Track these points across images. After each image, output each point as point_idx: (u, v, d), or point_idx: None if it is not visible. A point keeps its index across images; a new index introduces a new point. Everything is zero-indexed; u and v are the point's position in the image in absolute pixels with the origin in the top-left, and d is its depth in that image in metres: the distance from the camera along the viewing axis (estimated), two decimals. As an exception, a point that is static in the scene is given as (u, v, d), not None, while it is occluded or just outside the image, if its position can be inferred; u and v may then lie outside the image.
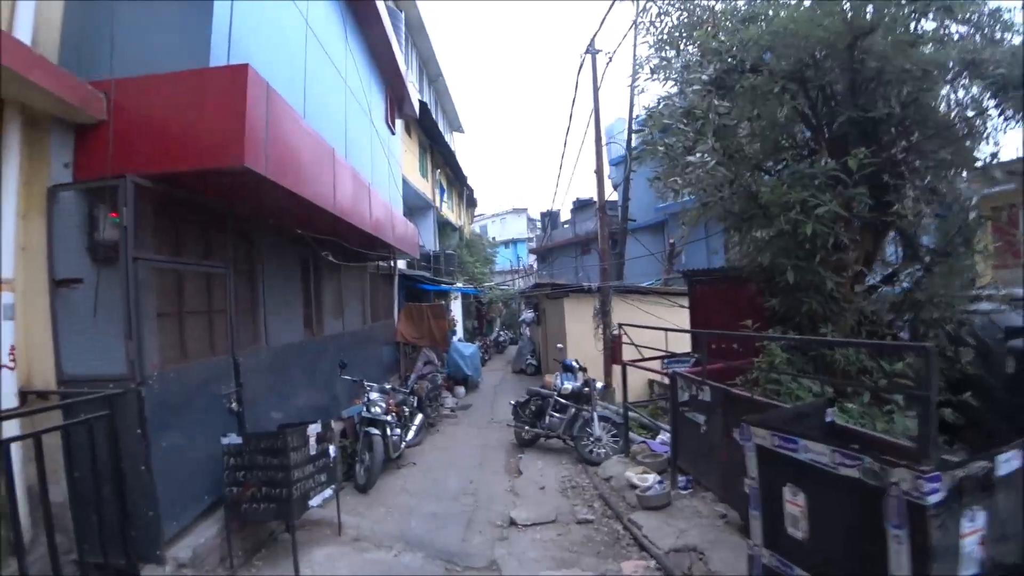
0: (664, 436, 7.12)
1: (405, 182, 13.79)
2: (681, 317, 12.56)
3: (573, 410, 8.10)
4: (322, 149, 5.64)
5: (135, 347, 3.70)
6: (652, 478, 5.84)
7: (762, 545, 2.84)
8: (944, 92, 5.48)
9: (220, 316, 5.55)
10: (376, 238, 8.34)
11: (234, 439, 4.29)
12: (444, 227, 22.16)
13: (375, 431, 6.68)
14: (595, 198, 24.22)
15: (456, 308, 18.12)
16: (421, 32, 17.76)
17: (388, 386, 7.33)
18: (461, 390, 13.69)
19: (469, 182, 24.72)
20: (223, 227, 5.25)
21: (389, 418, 7.05)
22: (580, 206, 24.59)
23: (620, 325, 7.67)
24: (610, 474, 6.61)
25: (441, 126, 19.94)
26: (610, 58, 12.16)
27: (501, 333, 25.94)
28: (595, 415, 7.78)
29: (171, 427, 3.97)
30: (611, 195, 25.07)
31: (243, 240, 6.13)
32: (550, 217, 26.45)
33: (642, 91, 9.35)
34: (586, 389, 8.03)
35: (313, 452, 4.56)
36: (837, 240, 5.11)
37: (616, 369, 11.38)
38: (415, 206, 17.86)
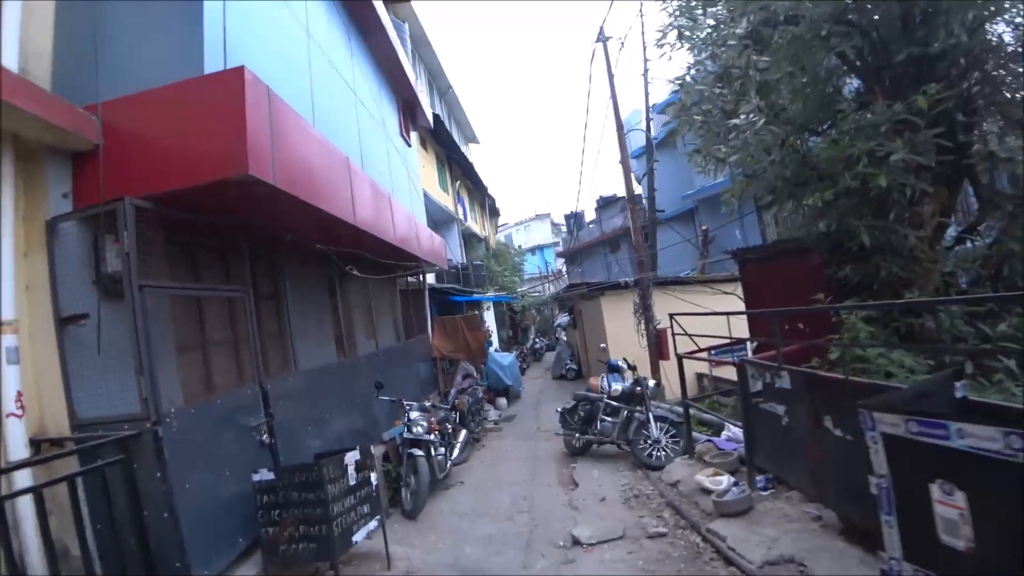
0: (731, 432, 6.51)
1: (426, 196, 13.50)
2: (725, 304, 11.88)
3: (626, 412, 7.54)
4: (335, 158, 5.29)
5: (148, 383, 3.34)
6: (726, 480, 5.24)
7: (901, 558, 2.27)
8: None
9: (245, 344, 5.23)
10: (402, 251, 7.97)
11: (265, 475, 3.90)
12: (469, 239, 21.85)
13: (419, 452, 6.25)
14: (619, 194, 23.62)
15: (490, 318, 17.71)
16: (426, 46, 17.58)
17: (428, 403, 6.91)
18: (503, 401, 13.22)
19: (490, 192, 24.41)
20: (239, 248, 4.92)
21: (432, 437, 6.61)
22: (604, 203, 23.99)
23: (671, 316, 7.08)
24: (676, 478, 6.03)
25: (456, 138, 19.67)
26: (622, 43, 11.81)
27: (537, 340, 25.42)
28: (650, 416, 7.21)
29: (195, 467, 3.60)
30: (635, 188, 24.50)
31: (264, 262, 5.82)
32: (575, 218, 25.92)
33: (670, 58, 8.77)
34: (638, 389, 7.47)
35: (353, 482, 4.14)
36: (912, 192, 4.48)
37: (663, 365, 10.81)
38: (438, 220, 17.57)
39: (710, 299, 12.01)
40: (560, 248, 35.49)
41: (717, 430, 7.63)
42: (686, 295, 11.74)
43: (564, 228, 38.93)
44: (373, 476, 4.51)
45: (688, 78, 5.99)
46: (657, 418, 7.21)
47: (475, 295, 14.72)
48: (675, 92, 6.80)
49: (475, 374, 11.32)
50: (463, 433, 8.06)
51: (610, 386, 8.69)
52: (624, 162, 11.43)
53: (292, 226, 5.17)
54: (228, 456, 3.96)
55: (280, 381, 4.92)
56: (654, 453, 7.04)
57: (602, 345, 9.46)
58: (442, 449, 6.92)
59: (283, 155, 4.02)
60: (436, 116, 16.46)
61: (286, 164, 4.05)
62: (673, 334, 10.60)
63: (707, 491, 5.29)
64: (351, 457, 4.17)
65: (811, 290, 5.64)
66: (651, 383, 7.62)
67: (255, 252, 5.54)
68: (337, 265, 6.85)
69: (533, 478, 7.44)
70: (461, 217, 19.77)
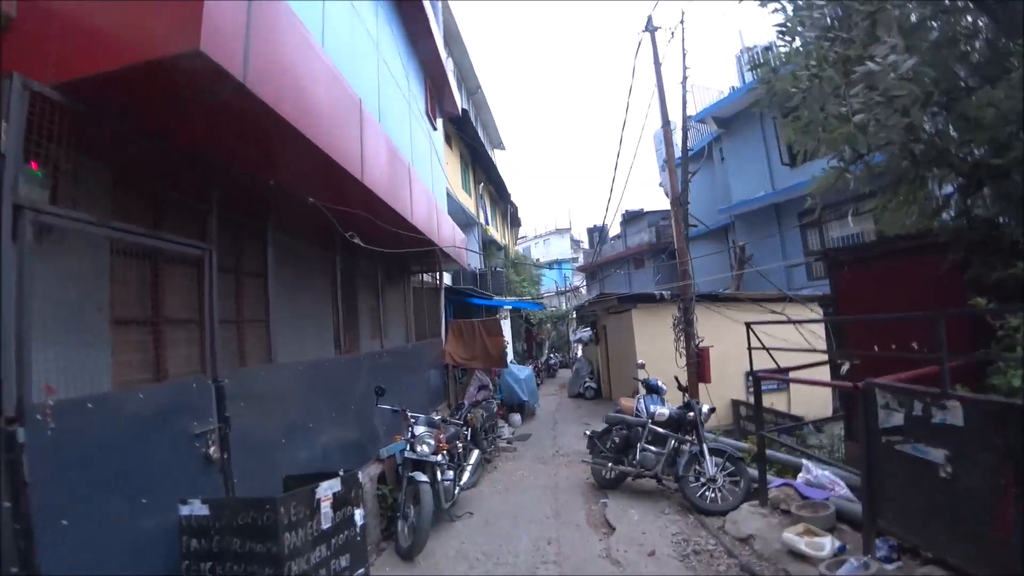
0: (813, 474, 5.12)
1: (449, 196, 12.32)
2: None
3: (674, 442, 6.17)
4: (342, 92, 4.08)
5: (9, 357, 2.09)
6: (828, 544, 3.86)
7: None
8: None
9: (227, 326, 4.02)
10: (419, 239, 6.74)
11: (197, 508, 2.62)
12: (489, 246, 20.65)
13: (422, 477, 4.94)
14: (645, 209, 22.34)
15: (505, 329, 16.34)
16: (458, 42, 16.56)
17: (436, 417, 5.60)
18: (517, 418, 11.84)
19: (512, 200, 23.25)
20: (212, 200, 3.70)
21: (439, 458, 5.30)
22: (630, 218, 22.71)
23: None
24: (747, 532, 4.64)
25: (482, 141, 18.57)
26: (672, 33, 10.47)
27: (551, 356, 24.00)
28: (705, 448, 5.84)
29: (84, 493, 2.32)
30: (661, 204, 23.14)
31: (251, 233, 4.60)
32: (599, 232, 24.64)
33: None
34: (689, 415, 6.11)
35: (328, 524, 2.84)
36: None
37: (703, 388, 9.41)
38: (459, 222, 16.28)
39: (758, 317, 10.63)
40: (580, 263, 34.18)
41: (782, 470, 6.25)
42: (730, 312, 10.38)
43: (583, 244, 37.68)
44: (358, 514, 3.21)
45: (793, 22, 4.71)
46: (713, 451, 5.84)
47: (497, 299, 13.39)
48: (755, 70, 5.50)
49: (491, 386, 10.00)
50: (475, 454, 6.73)
51: (648, 409, 7.33)
52: (669, 160, 10.16)
53: (281, 174, 3.93)
54: (149, 477, 2.68)
55: (243, 376, 3.65)
56: (708, 494, 5.66)
57: (639, 362, 8.12)
58: (450, 473, 5.60)
59: (264, 53, 2.81)
60: (464, 111, 15.40)
61: (267, 65, 2.83)
62: (708, 357, 9.33)
63: (799, 555, 3.92)
64: (327, 489, 2.88)
65: (934, 297, 4.31)
66: (704, 408, 6.25)
67: (240, 219, 4.35)
68: (341, 249, 5.63)
69: (557, 514, 6.07)
70: (482, 221, 18.61)
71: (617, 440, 6.65)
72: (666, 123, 10.17)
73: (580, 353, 19.19)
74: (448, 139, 15.89)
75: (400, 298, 9.05)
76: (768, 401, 11.84)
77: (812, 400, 11.56)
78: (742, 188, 15.54)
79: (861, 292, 5.44)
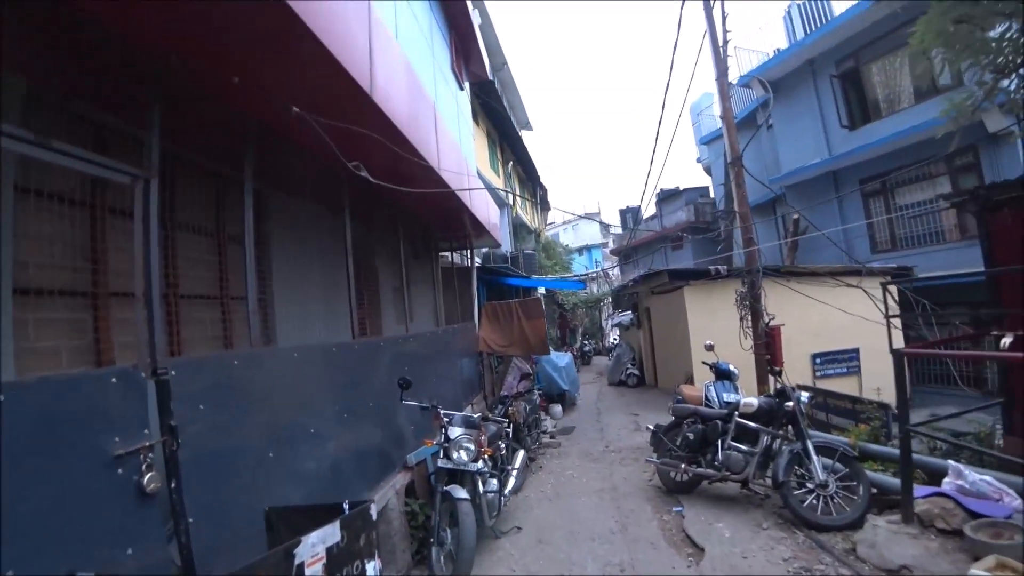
0: (971, 479, 3.81)
1: (477, 174, 11.14)
2: (850, 299, 9.06)
3: (767, 439, 4.91)
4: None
5: None
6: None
7: None
8: None
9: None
10: (447, 201, 5.60)
11: (83, 594, 1.50)
12: (519, 229, 19.46)
13: (460, 493, 3.80)
14: (681, 187, 20.81)
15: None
16: (483, 15, 15.31)
17: (475, 415, 4.44)
18: (558, 409, 10.68)
19: (542, 182, 21.96)
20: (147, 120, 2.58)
21: (480, 466, 4.16)
22: (666, 196, 21.17)
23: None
24: (897, 561, 3.37)
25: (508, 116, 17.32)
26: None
27: (586, 343, 22.75)
28: (810, 445, 4.57)
29: None
30: (698, 182, 21.55)
31: (239, 191, 3.52)
32: (632, 213, 23.19)
33: None
34: (787, 404, 4.82)
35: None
36: None
37: (788, 371, 8.05)
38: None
39: (830, 293, 9.23)
40: (609, 248, 32.64)
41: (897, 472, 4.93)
42: (799, 285, 8.99)
43: (611, 229, 36.16)
44: (371, 568, 2.07)
45: None
46: (820, 449, 4.57)
47: (535, 278, 12.14)
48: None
49: (532, 374, 8.84)
50: (520, 455, 5.58)
51: (721, 397, 6.08)
52: (727, 115, 8.72)
53: (259, 81, 2.78)
54: (25, 534, 1.57)
55: (201, 367, 2.53)
56: (816, 504, 4.40)
57: (708, 343, 6.84)
58: (494, 482, 4.46)
59: None
60: (491, 81, 14.22)
61: None
62: (780, 336, 7.92)
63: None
64: (315, 545, 1.75)
65: None
66: (804, 396, 4.96)
67: (222, 167, 3.27)
68: (355, 216, 4.51)
69: (624, 528, 4.88)
70: (511, 203, 17.41)
71: (691, 436, 5.41)
72: (722, 74, 8.75)
73: (618, 338, 17.89)
74: (474, 115, 14.72)
75: (428, 278, 7.94)
76: (836, 385, 10.46)
77: (887, 384, 10.09)
78: (793, 156, 13.97)
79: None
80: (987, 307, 4.81)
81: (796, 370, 9.94)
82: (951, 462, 4.05)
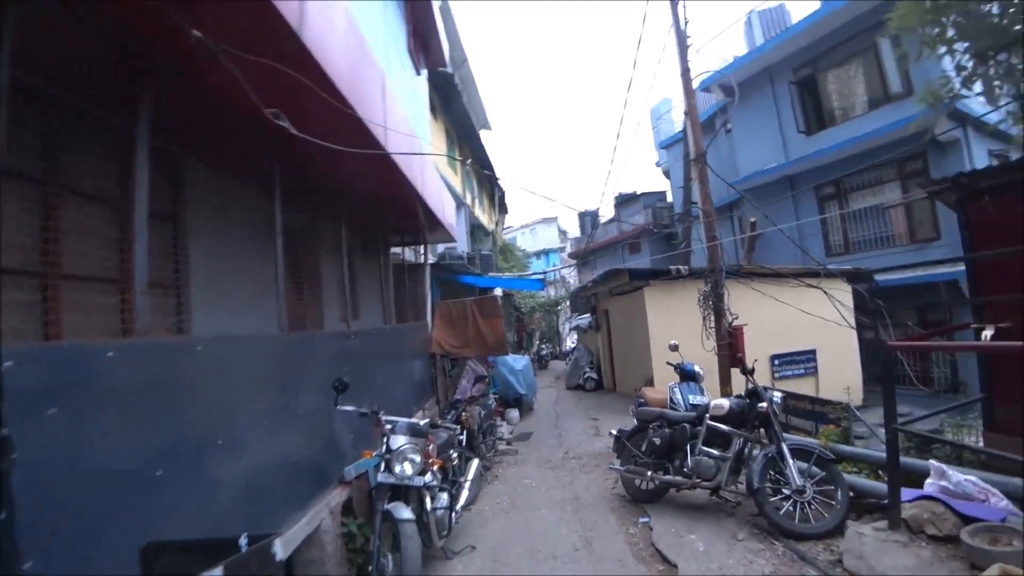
0: (956, 480, 3.55)
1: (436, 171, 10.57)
2: (812, 300, 8.99)
3: (739, 442, 4.58)
4: None
5: None
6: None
7: None
8: None
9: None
10: (398, 187, 5.07)
11: None
12: (476, 230, 18.96)
13: (404, 513, 3.25)
14: (639, 191, 20.81)
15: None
16: (445, 11, 14.84)
17: (422, 421, 3.89)
18: (515, 414, 10.22)
19: (500, 183, 21.54)
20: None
21: (428, 479, 3.63)
22: (624, 200, 21.15)
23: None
24: (890, 573, 3.04)
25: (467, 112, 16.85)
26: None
27: (543, 346, 22.42)
28: (785, 448, 4.26)
29: None
30: (656, 187, 21.64)
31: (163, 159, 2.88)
32: (591, 217, 23.05)
33: None
34: (760, 405, 4.50)
35: None
36: None
37: (738, 373, 7.86)
38: (444, 202, 14.71)
39: (792, 294, 9.14)
40: (568, 251, 32.51)
41: (872, 472, 4.72)
42: (760, 286, 8.86)
43: (570, 234, 36.14)
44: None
45: None
46: (795, 452, 4.27)
47: (491, 276, 11.63)
48: None
49: (487, 377, 8.34)
50: (474, 464, 5.06)
51: (686, 400, 5.75)
52: (691, 111, 8.50)
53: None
54: None
55: (56, 357, 1.94)
56: (795, 511, 4.09)
57: (673, 343, 6.52)
58: (444, 497, 3.93)
59: None
60: (450, 74, 13.74)
61: None
62: (742, 336, 7.72)
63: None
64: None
65: None
66: (777, 396, 4.66)
67: (117, 122, 2.65)
68: (286, 195, 3.93)
69: (588, 543, 4.44)
70: (469, 202, 16.92)
71: (657, 442, 5.03)
72: (686, 71, 8.54)
73: (576, 341, 17.61)
74: (433, 110, 14.20)
75: (377, 273, 7.35)
76: (793, 386, 10.43)
77: (843, 385, 10.14)
78: (752, 160, 14.07)
79: (1010, 229, 3.85)
80: (970, 298, 4.63)
81: (758, 372, 9.86)
82: (933, 462, 3.81)
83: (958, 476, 3.57)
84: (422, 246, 8.17)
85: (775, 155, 13.53)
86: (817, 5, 12.43)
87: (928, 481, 3.71)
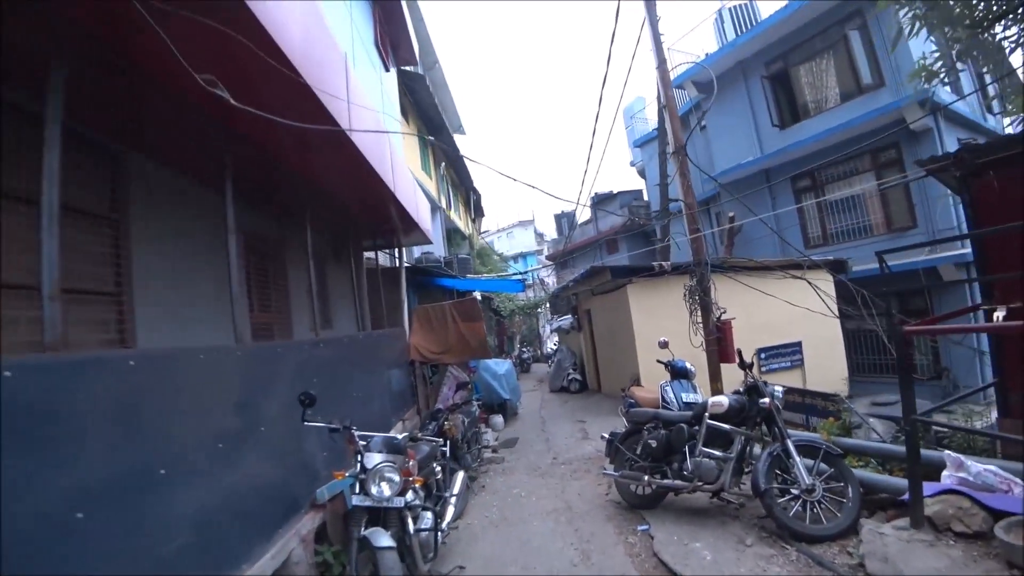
0: (975, 470, 3.32)
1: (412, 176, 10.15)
2: (796, 293, 8.84)
3: (741, 441, 4.30)
4: None
5: None
6: None
7: None
8: None
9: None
10: (368, 181, 4.69)
11: None
12: (452, 235, 18.57)
13: (383, 540, 2.87)
14: (615, 191, 20.68)
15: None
16: (415, 10, 14.48)
17: (400, 436, 3.51)
18: (499, 420, 9.85)
19: (475, 187, 21.21)
20: None
21: (409, 498, 3.26)
22: (601, 200, 21.01)
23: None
24: (919, 582, 2.79)
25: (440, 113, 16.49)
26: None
27: (524, 349, 22.09)
28: (791, 446, 4.00)
29: None
30: (633, 185, 21.55)
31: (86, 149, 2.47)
32: (568, 218, 22.87)
33: None
34: (762, 401, 4.23)
35: None
36: None
37: (727, 369, 7.64)
38: (418, 206, 14.29)
39: (779, 286, 8.97)
40: (544, 254, 32.27)
41: (881, 462, 4.50)
42: (749, 279, 8.68)
43: (547, 237, 35.97)
44: None
45: None
46: (800, 448, 4.01)
47: (470, 278, 11.24)
48: None
49: (469, 383, 7.97)
50: (459, 477, 4.68)
51: (679, 398, 5.49)
52: (669, 103, 8.28)
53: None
54: None
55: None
56: (805, 511, 3.82)
57: (662, 340, 6.25)
58: (428, 517, 3.55)
59: None
60: (421, 76, 13.38)
61: None
62: (731, 331, 7.48)
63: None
64: None
65: None
66: (778, 390, 4.40)
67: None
68: (241, 194, 3.55)
69: (586, 557, 4.11)
70: (445, 206, 16.54)
71: (653, 444, 4.73)
72: (662, 62, 8.34)
73: (558, 343, 17.33)
74: (404, 113, 13.82)
75: (349, 279, 6.93)
76: (780, 379, 10.29)
77: (829, 377, 10.04)
78: (727, 155, 13.99)
79: (1018, 204, 3.64)
80: (979, 277, 4.45)
81: (753, 366, 9.69)
82: (949, 452, 3.58)
83: (977, 466, 3.34)
84: (396, 249, 7.78)
85: (750, 150, 13.47)
86: (784, 2, 12.46)
87: (945, 473, 3.48)
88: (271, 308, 5.50)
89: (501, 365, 10.72)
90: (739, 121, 13.80)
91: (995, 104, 12.55)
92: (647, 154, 17.92)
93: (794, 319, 9.74)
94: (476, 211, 23.17)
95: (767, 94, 13.18)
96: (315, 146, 3.82)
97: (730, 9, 13.93)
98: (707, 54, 14.66)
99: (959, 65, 11.84)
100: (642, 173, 19.10)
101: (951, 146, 10.70)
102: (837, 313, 9.06)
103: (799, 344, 10.04)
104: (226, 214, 3.29)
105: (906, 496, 3.27)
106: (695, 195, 8.09)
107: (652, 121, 17.66)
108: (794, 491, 3.88)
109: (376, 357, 6.12)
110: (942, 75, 3.91)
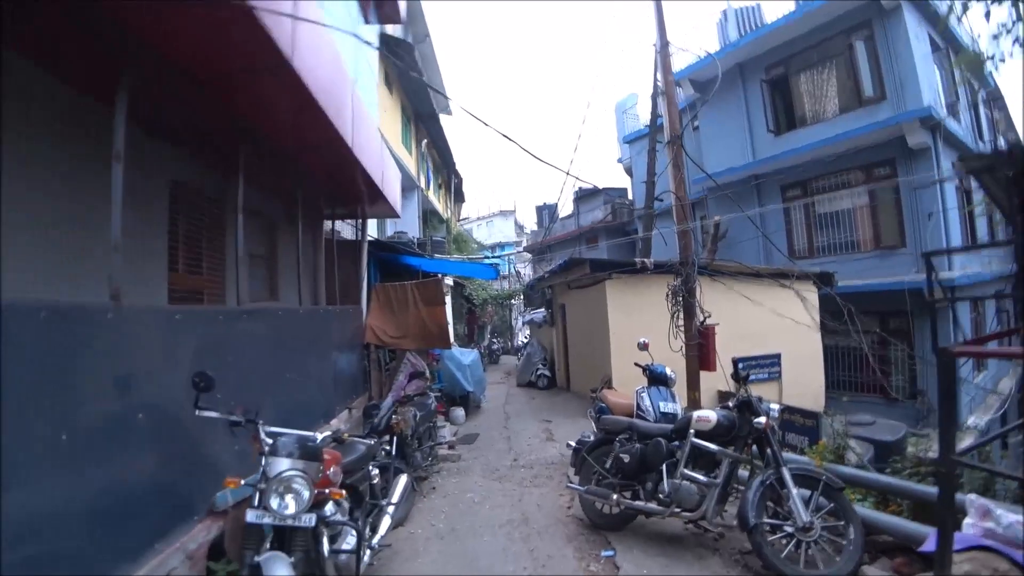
0: (1007, 521, 2.76)
1: (387, 147, 9.23)
2: (778, 303, 8.38)
3: (729, 464, 3.70)
4: None
5: None
6: None
7: None
8: None
9: None
10: (324, 134, 3.93)
11: None
12: (430, 217, 17.73)
13: (279, 570, 2.18)
14: (599, 186, 20.10)
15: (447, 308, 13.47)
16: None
17: (323, 434, 2.77)
18: (460, 413, 9.17)
19: (457, 170, 20.38)
20: None
21: (329, 511, 2.56)
22: (584, 195, 20.41)
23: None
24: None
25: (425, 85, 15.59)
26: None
27: (494, 341, 21.44)
28: (786, 474, 3.41)
29: None
30: (617, 184, 21.00)
31: None
32: (549, 210, 22.21)
33: None
34: (758, 421, 3.62)
35: None
36: None
37: (707, 377, 7.11)
38: (396, 184, 13.44)
39: (766, 293, 8.49)
40: (524, 245, 31.58)
41: (878, 501, 3.97)
42: (736, 284, 8.15)
43: (527, 229, 35.32)
44: None
45: None
46: (798, 478, 3.42)
47: (439, 257, 10.44)
48: None
49: (426, 372, 7.26)
50: (401, 482, 3.98)
51: (656, 407, 4.91)
52: (668, 87, 7.67)
53: None
54: None
55: None
56: (799, 552, 3.24)
57: (642, 340, 5.66)
58: (351, 536, 2.84)
59: None
60: (408, 44, 12.53)
61: None
62: (713, 337, 6.88)
63: None
64: None
65: None
66: (774, 408, 3.81)
67: None
68: (207, 164, 2.78)
69: (538, 587, 3.47)
70: (423, 185, 15.69)
71: (626, 459, 4.10)
72: (664, 45, 7.71)
73: (529, 336, 16.72)
74: (388, 81, 12.95)
75: (306, 249, 6.14)
76: (757, 392, 9.81)
77: (807, 392, 9.64)
78: (718, 159, 13.47)
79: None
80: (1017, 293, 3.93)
81: (720, 375, 9.20)
82: (972, 497, 3.03)
83: (1009, 516, 2.79)
84: (360, 220, 7.00)
85: (743, 154, 13.00)
86: (792, 6, 11.96)
87: (967, 522, 2.93)
88: (202, 271, 4.71)
89: (467, 355, 10.03)
90: (734, 124, 13.31)
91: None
92: (636, 151, 17.36)
93: (774, 330, 9.31)
94: (457, 195, 22.35)
95: (765, 99, 12.71)
96: (246, 67, 3.05)
97: (736, 10, 13.38)
98: (708, 53, 14.15)
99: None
100: (629, 171, 18.55)
101: (947, 168, 10.38)
102: (820, 326, 8.65)
103: (778, 356, 9.60)
104: (114, 136, 2.52)
105: (927, 546, 2.70)
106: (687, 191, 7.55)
107: (644, 118, 17.06)
108: (788, 528, 3.30)
109: (322, 336, 5.37)
110: (987, 63, 3.34)
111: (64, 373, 2.08)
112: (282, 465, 2.39)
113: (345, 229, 8.16)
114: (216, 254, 4.91)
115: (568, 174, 8.62)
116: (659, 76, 8.53)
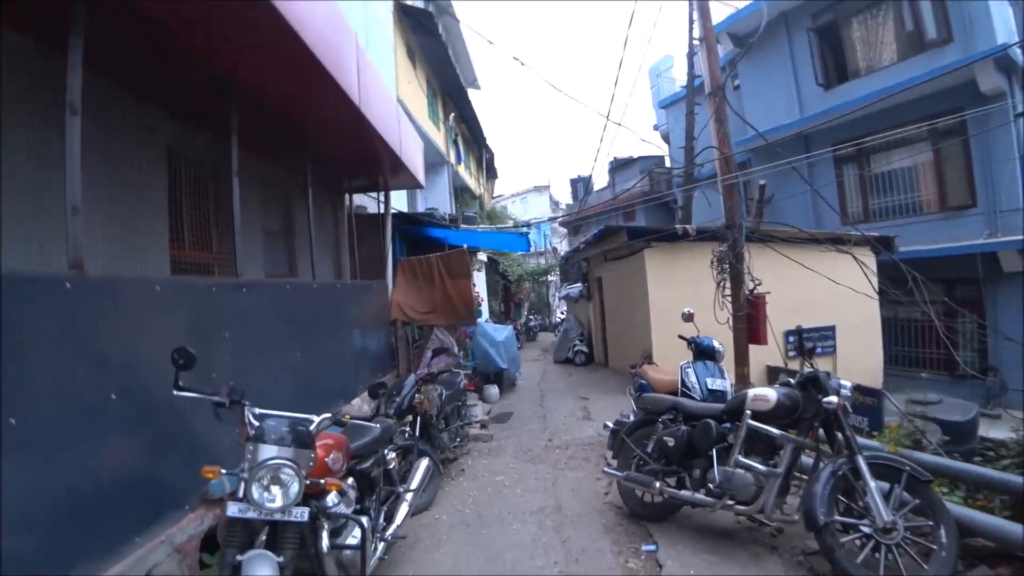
0: None
1: (412, 121, 8.72)
2: (832, 271, 7.58)
3: (792, 450, 3.18)
4: None
5: None
6: None
7: None
8: None
9: None
10: (311, 69, 3.52)
11: None
12: (461, 193, 17.32)
13: (262, 571, 1.85)
14: (635, 155, 19.21)
15: (480, 283, 13.07)
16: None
17: (329, 415, 2.41)
18: (494, 391, 8.83)
19: (488, 145, 19.82)
20: None
21: (330, 503, 2.23)
22: (620, 165, 19.55)
23: None
24: None
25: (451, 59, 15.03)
26: None
27: (531, 317, 21.04)
28: (862, 464, 2.86)
29: None
30: (653, 152, 19.96)
31: None
32: (584, 183, 21.41)
33: None
34: (828, 401, 3.06)
35: None
36: None
37: (755, 351, 6.50)
38: (426, 161, 13.04)
39: (820, 260, 7.71)
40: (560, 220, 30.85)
41: (974, 490, 3.39)
42: (786, 250, 7.40)
43: (562, 205, 34.53)
44: None
45: None
46: (876, 468, 2.88)
47: (465, 228, 9.97)
48: None
49: (454, 348, 6.91)
50: (422, 466, 3.64)
51: (703, 384, 4.40)
52: (708, 34, 6.89)
53: None
54: None
55: None
56: (880, 557, 2.72)
57: (686, 310, 5.13)
58: (355, 530, 2.49)
59: None
60: (428, 13, 11.99)
61: None
62: (764, 306, 6.21)
63: None
64: None
65: None
66: (845, 385, 3.25)
67: None
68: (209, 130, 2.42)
69: (572, 585, 3.08)
70: (453, 160, 15.24)
71: (671, 443, 3.62)
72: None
73: (566, 312, 16.23)
74: (411, 55, 12.49)
75: (321, 220, 5.84)
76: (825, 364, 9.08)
77: (863, 367, 8.86)
78: (762, 118, 12.41)
79: None
80: None
81: (768, 349, 8.52)
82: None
83: None
84: (383, 193, 6.63)
85: (789, 112, 11.98)
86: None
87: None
88: (210, 247, 4.44)
89: (500, 331, 9.65)
90: (778, 79, 12.27)
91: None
92: (672, 116, 16.38)
93: (827, 300, 8.51)
94: (489, 172, 21.83)
95: (812, 49, 11.61)
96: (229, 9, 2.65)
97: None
98: (746, 4, 13.06)
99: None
100: (666, 137, 17.57)
101: None
102: (881, 295, 7.83)
103: (832, 329, 8.82)
104: (68, 85, 2.16)
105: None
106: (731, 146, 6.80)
107: (680, 80, 16.06)
108: (864, 528, 2.77)
109: (341, 312, 5.06)
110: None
111: (13, 349, 1.77)
112: (268, 452, 2.03)
113: (371, 205, 7.84)
114: (226, 230, 4.64)
115: (608, 119, 7.96)
116: (696, 28, 7.74)
